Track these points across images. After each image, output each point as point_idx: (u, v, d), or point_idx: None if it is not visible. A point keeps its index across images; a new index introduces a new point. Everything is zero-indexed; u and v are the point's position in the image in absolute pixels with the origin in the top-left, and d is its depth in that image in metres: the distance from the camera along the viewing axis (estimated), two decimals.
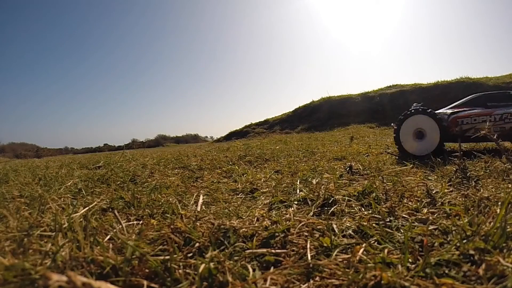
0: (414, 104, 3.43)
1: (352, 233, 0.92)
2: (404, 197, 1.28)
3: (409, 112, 3.12)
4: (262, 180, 1.96)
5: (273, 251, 0.80)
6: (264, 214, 1.13)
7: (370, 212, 1.10)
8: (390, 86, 13.64)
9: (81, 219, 1.05)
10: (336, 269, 0.69)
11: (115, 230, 0.95)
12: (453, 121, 3.07)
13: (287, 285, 0.66)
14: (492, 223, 0.81)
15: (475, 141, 3.21)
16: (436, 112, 3.18)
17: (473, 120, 3.01)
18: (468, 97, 3.27)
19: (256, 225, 0.99)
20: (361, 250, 0.76)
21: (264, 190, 1.66)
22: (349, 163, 2.22)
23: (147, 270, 0.69)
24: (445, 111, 3.26)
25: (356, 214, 1.09)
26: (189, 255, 0.79)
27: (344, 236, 0.91)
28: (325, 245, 0.83)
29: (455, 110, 3.19)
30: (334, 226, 0.95)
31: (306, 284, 0.66)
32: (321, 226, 0.96)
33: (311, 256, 0.77)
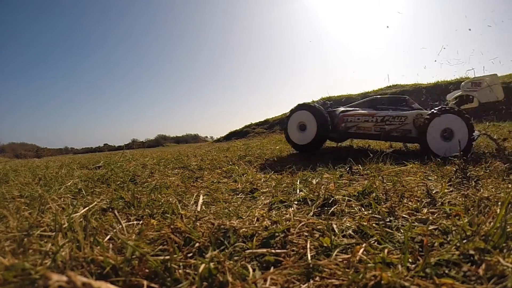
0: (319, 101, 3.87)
1: (352, 233, 0.91)
2: (404, 197, 1.28)
3: (294, 108, 3.60)
4: (262, 180, 1.96)
5: (273, 251, 0.80)
6: (264, 214, 1.13)
7: (370, 212, 1.10)
8: (390, 86, 13.63)
9: (81, 219, 1.05)
10: (336, 269, 0.69)
11: (115, 230, 0.95)
12: (341, 118, 3.45)
13: (287, 285, 0.66)
14: (492, 223, 0.81)
15: (356, 138, 3.76)
16: (335, 109, 3.66)
17: (357, 119, 3.37)
18: (367, 98, 3.68)
19: (256, 225, 0.99)
20: (361, 250, 0.76)
21: (264, 190, 1.66)
22: (349, 163, 2.22)
23: (147, 270, 0.69)
24: (342, 109, 3.66)
25: (356, 214, 1.09)
26: (189, 255, 0.79)
27: (344, 236, 0.91)
28: (325, 245, 0.83)
29: (346, 109, 3.60)
30: (334, 226, 0.95)
31: (306, 284, 0.66)
32: (321, 226, 0.96)
33: (311, 256, 0.77)
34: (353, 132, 3.41)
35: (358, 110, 3.50)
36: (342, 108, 3.67)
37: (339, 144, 4.41)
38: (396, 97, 3.51)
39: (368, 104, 3.59)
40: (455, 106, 3.20)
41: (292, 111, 3.57)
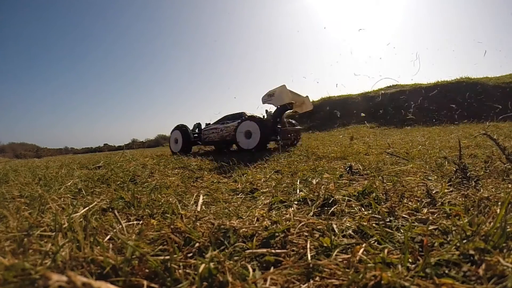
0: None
1: (352, 233, 0.91)
2: (404, 197, 1.28)
3: (172, 130, 5.64)
4: (262, 180, 1.96)
5: (273, 251, 0.80)
6: (264, 214, 1.13)
7: (370, 212, 1.10)
8: (390, 86, 13.63)
9: (81, 219, 1.05)
10: (336, 269, 0.69)
11: (115, 230, 0.95)
12: (203, 133, 5.37)
13: (287, 285, 0.66)
14: (492, 223, 0.81)
15: (210, 144, 5.38)
16: (213, 123, 5.46)
17: (208, 132, 5.26)
18: (222, 116, 5.39)
19: (256, 225, 0.99)
20: (361, 250, 0.76)
21: (264, 190, 1.66)
22: (349, 163, 2.22)
23: (147, 270, 0.69)
24: (212, 124, 5.46)
25: (356, 214, 1.09)
26: (189, 255, 0.79)
27: (344, 236, 0.91)
28: (325, 245, 0.83)
29: (206, 126, 5.45)
30: (334, 226, 0.95)
31: (306, 284, 0.66)
32: (321, 226, 0.96)
33: (311, 256, 0.77)
34: (208, 141, 5.21)
35: (211, 126, 5.27)
36: (212, 123, 5.47)
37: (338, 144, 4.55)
38: (236, 114, 5.04)
39: (220, 120, 5.27)
40: (269, 114, 4.82)
41: (171, 132, 5.60)
